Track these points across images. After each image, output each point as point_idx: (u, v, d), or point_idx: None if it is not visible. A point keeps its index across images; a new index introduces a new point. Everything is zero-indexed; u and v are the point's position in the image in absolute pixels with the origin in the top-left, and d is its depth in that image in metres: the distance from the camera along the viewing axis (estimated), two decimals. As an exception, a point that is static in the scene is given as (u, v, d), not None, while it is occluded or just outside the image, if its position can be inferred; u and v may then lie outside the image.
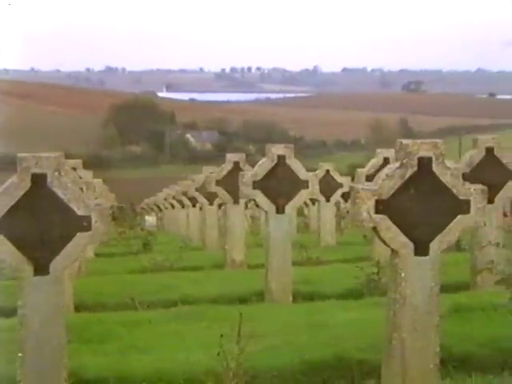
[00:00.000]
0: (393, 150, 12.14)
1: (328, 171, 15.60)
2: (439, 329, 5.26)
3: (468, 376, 5.38)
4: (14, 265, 5.03)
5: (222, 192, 11.89)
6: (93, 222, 5.11)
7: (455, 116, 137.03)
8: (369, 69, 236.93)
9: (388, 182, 5.16)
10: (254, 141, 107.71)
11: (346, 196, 19.73)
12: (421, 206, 5.20)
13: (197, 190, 15.69)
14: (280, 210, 8.68)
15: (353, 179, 19.41)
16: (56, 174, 5.03)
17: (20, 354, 5.07)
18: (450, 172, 5.27)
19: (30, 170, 4.99)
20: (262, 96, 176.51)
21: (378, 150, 12.03)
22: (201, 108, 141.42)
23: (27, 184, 4.99)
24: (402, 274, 5.20)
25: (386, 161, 11.76)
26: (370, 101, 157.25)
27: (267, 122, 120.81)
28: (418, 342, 5.22)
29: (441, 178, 5.21)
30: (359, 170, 12.01)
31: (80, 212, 5.08)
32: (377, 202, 5.12)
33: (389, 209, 5.14)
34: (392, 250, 5.24)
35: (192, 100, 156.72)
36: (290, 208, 8.79)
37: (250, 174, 8.70)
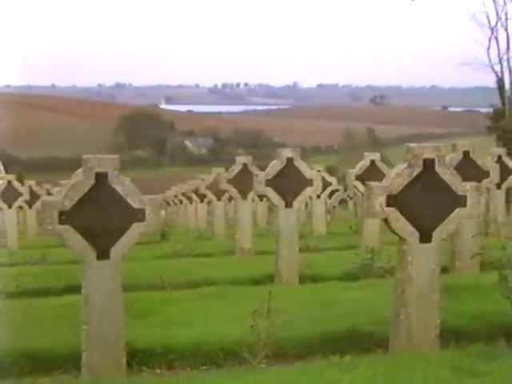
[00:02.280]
0: (378, 154, 12.29)
1: (319, 171, 15.59)
2: (439, 305, 5.30)
3: (467, 345, 5.39)
4: (79, 251, 5.04)
5: (232, 189, 11.88)
6: (146, 214, 5.12)
7: (414, 125, 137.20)
8: (340, 85, 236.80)
9: (397, 180, 5.21)
10: (243, 146, 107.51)
11: (332, 193, 19.83)
12: (425, 200, 5.25)
13: (207, 187, 15.67)
14: (289, 204, 8.69)
15: (338, 179, 19.52)
16: (115, 172, 5.04)
17: (84, 327, 5.07)
18: (449, 171, 5.32)
19: (94, 170, 5.00)
20: (250, 108, 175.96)
21: (366, 154, 12.03)
22: (197, 118, 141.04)
23: (91, 181, 5.00)
24: (409, 258, 5.25)
25: (373, 163, 11.82)
26: (342, 112, 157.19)
27: (254, 130, 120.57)
28: (422, 316, 5.27)
29: (442, 177, 5.26)
30: (350, 170, 12.02)
31: (136, 205, 5.10)
32: (388, 197, 5.17)
33: (398, 203, 5.19)
34: (400, 237, 5.28)
35: (189, 111, 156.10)
36: (297, 203, 8.80)
37: (263, 174, 8.70)
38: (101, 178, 5.00)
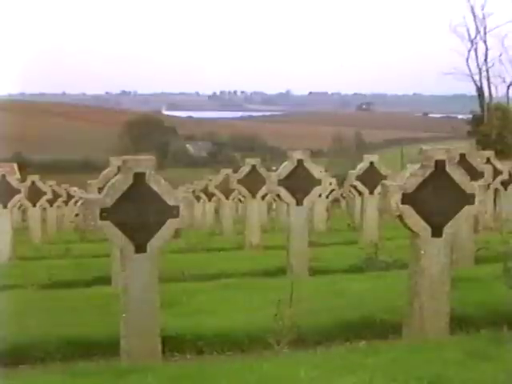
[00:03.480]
0: (377, 156, 12.30)
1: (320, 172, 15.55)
2: (449, 295, 5.32)
3: (477, 331, 5.41)
4: (119, 245, 5.04)
5: (242, 189, 11.90)
6: (180, 210, 5.13)
7: (397, 130, 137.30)
8: (329, 92, 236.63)
9: (411, 179, 5.23)
10: (239, 149, 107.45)
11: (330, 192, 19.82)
12: (436, 198, 5.27)
13: (215, 187, 15.67)
14: (299, 202, 8.69)
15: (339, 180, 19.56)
16: (152, 172, 5.05)
17: (124, 315, 5.07)
18: (459, 172, 5.34)
19: (133, 170, 5.00)
20: (246, 114, 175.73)
21: (365, 156, 12.04)
22: (197, 123, 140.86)
23: (130, 180, 5.01)
24: (422, 252, 5.27)
25: (372, 164, 11.82)
26: (331, 118, 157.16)
27: (250, 135, 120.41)
28: (434, 305, 5.28)
29: (452, 177, 5.28)
30: (350, 171, 12.02)
31: (171, 202, 5.11)
32: (403, 195, 5.19)
33: (412, 200, 5.21)
34: (413, 232, 5.30)
35: (190, 117, 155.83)
36: (307, 201, 8.80)
37: (275, 174, 8.71)
38: (139, 177, 5.01)
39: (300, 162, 8.71)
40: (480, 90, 39.57)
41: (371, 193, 11.73)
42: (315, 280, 8.20)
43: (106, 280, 8.69)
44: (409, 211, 5.21)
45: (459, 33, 40.36)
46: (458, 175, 5.29)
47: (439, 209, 5.27)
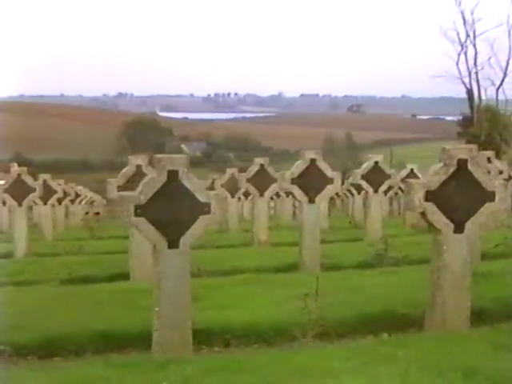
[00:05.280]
0: (381, 156, 12.32)
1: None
2: (469, 289, 5.34)
3: (497, 323, 5.44)
4: (153, 240, 5.04)
5: (250, 187, 11.90)
6: (212, 207, 5.13)
7: (387, 131, 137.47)
8: (320, 94, 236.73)
9: (435, 177, 5.25)
10: (233, 150, 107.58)
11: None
12: (459, 195, 5.29)
13: (221, 185, 15.67)
14: (311, 200, 8.72)
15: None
16: (185, 170, 5.05)
17: (156, 309, 5.07)
18: (480, 170, 5.36)
19: (166, 168, 5.00)
20: (240, 115, 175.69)
21: (370, 155, 12.06)
22: (192, 125, 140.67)
23: (164, 178, 5.00)
24: (444, 247, 5.29)
25: (376, 164, 11.84)
26: (322, 120, 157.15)
27: (244, 136, 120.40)
28: (455, 298, 5.31)
29: (474, 175, 5.30)
30: (355, 170, 12.04)
31: (202, 199, 5.11)
32: (426, 192, 5.21)
33: (435, 197, 5.23)
34: (435, 229, 5.32)
35: (185, 118, 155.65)
36: (319, 199, 8.82)
37: (289, 173, 8.72)
38: (172, 175, 5.00)
39: (313, 161, 8.73)
40: (470, 92, 39.66)
41: (376, 191, 11.75)
42: (329, 275, 8.18)
43: (124, 276, 8.70)
44: (432, 208, 5.23)
45: (449, 37, 40.37)
46: (479, 173, 5.32)
47: (461, 206, 5.29)
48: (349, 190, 21.29)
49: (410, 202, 5.23)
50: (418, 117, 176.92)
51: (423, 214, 5.28)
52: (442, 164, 5.27)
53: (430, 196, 5.21)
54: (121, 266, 9.33)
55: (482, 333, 5.05)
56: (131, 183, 8.30)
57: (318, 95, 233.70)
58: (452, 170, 5.24)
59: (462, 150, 5.27)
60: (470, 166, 5.27)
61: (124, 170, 8.64)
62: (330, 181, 8.77)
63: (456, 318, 5.30)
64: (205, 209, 5.11)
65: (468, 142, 38.26)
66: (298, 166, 8.72)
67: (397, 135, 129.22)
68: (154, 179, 5.02)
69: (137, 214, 4.93)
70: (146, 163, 8.72)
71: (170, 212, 5.02)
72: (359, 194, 17.65)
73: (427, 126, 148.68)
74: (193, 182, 5.09)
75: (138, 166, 8.53)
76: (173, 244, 5.05)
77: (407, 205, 5.29)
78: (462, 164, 5.25)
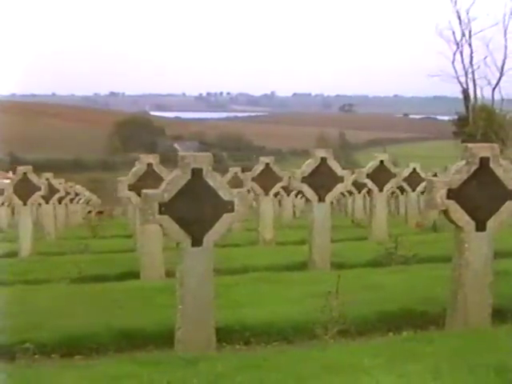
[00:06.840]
0: (387, 154, 12.35)
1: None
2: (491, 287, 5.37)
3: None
4: (176, 238, 5.04)
5: (256, 186, 11.91)
6: (235, 205, 5.14)
7: (379, 131, 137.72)
8: (313, 94, 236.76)
9: (457, 176, 5.27)
10: (226, 149, 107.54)
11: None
12: (480, 193, 5.32)
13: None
14: (321, 199, 8.74)
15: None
16: (209, 168, 5.06)
17: (180, 307, 5.07)
18: (502, 168, 5.39)
19: (190, 166, 5.01)
20: (232, 115, 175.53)
21: (375, 154, 12.08)
22: (184, 124, 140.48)
23: (188, 176, 5.01)
24: (466, 245, 5.31)
25: (382, 162, 11.87)
26: (314, 119, 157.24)
27: (236, 135, 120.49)
28: (477, 296, 5.33)
29: (496, 173, 5.33)
30: (361, 169, 12.06)
31: (226, 198, 5.11)
32: (448, 190, 5.23)
33: (457, 195, 5.25)
34: (457, 226, 5.34)
35: (177, 118, 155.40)
36: (329, 198, 8.85)
37: (299, 171, 8.74)
38: (196, 173, 5.01)
39: (323, 159, 8.75)
40: (465, 91, 39.79)
41: (381, 190, 11.77)
42: (342, 274, 8.18)
43: (134, 274, 8.71)
44: (454, 206, 5.25)
45: (445, 36, 40.44)
46: (501, 172, 5.34)
47: (483, 204, 5.32)
48: (348, 190, 21.31)
49: (432, 200, 5.25)
50: (410, 116, 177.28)
51: (445, 212, 5.30)
52: (463, 162, 5.29)
53: (451, 194, 5.23)
54: (129, 264, 9.34)
55: (507, 330, 5.07)
56: (142, 182, 8.31)
57: (310, 94, 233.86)
58: (474, 168, 5.27)
59: (484, 148, 5.30)
60: (491, 164, 5.30)
61: (134, 169, 8.64)
62: (341, 179, 8.79)
63: (478, 316, 5.32)
64: (228, 207, 5.11)
65: (463, 142, 38.40)
66: (309, 165, 8.74)
67: (389, 135, 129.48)
68: (178, 177, 5.02)
69: (161, 212, 4.93)
70: (157, 162, 8.73)
71: (194, 210, 5.02)
72: (359, 193, 17.68)
73: (420, 125, 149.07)
74: (216, 180, 5.10)
75: (149, 165, 8.52)
76: (196, 242, 5.05)
77: (428, 203, 5.31)
78: (484, 162, 5.28)
